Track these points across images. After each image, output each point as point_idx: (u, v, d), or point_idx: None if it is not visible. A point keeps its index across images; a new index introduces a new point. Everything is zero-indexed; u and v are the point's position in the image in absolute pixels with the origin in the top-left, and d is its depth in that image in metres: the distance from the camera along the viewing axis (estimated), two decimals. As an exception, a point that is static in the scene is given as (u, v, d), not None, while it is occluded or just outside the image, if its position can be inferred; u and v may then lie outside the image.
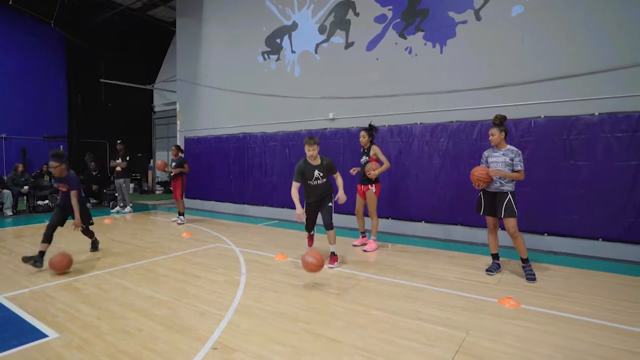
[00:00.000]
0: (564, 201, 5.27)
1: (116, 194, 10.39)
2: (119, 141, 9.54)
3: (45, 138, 13.34)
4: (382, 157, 5.40)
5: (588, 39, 5.13)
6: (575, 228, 5.21)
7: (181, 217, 7.79)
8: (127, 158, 9.30)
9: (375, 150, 5.40)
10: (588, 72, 5.13)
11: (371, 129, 5.48)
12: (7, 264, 4.64)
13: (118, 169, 9.26)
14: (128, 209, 9.45)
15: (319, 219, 4.81)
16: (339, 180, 4.68)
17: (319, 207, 4.71)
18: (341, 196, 4.52)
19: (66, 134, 13.94)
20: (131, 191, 14.61)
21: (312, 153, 4.39)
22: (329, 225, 4.59)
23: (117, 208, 9.52)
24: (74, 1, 12.33)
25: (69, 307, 3.28)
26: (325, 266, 4.16)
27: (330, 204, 4.65)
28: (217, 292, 3.70)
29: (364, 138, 5.44)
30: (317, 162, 4.50)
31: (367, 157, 5.42)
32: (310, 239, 5.19)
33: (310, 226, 4.96)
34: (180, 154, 7.96)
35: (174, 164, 7.81)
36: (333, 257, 4.63)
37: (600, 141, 5.03)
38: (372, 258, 5.10)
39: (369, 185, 5.39)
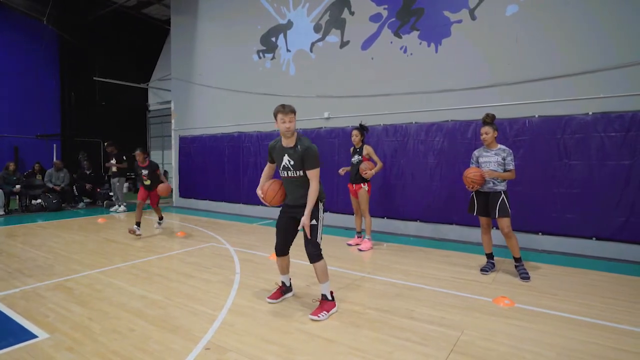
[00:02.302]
0: (557, 200, 5.30)
1: (111, 194, 10.31)
2: (106, 143, 9.43)
3: (38, 137, 13.21)
4: (376, 157, 5.42)
5: (582, 38, 5.15)
6: (569, 227, 5.24)
7: (161, 221, 7.23)
8: (124, 157, 9.21)
9: (368, 150, 5.42)
10: (582, 72, 5.15)
11: (362, 129, 5.48)
12: (-3, 264, 4.58)
13: (114, 169, 9.19)
14: (122, 208, 9.39)
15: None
16: (312, 186, 3.04)
17: (294, 219, 3.18)
18: (305, 219, 3.00)
19: (59, 133, 13.81)
20: (125, 190, 14.55)
21: (287, 126, 3.03)
22: (311, 256, 3.10)
23: (116, 207, 9.45)
24: (67, -2, 12.23)
25: (60, 307, 3.24)
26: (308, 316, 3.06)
27: (313, 221, 3.06)
28: (211, 291, 3.68)
29: (356, 137, 5.45)
30: (291, 143, 3.12)
31: (360, 157, 5.42)
32: (280, 290, 3.47)
33: (280, 246, 3.31)
34: (148, 159, 6.91)
35: (144, 171, 6.81)
36: (323, 302, 3.14)
37: (593, 141, 5.06)
38: (367, 257, 5.09)
39: (362, 184, 5.40)
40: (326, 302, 3.13)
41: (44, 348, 2.54)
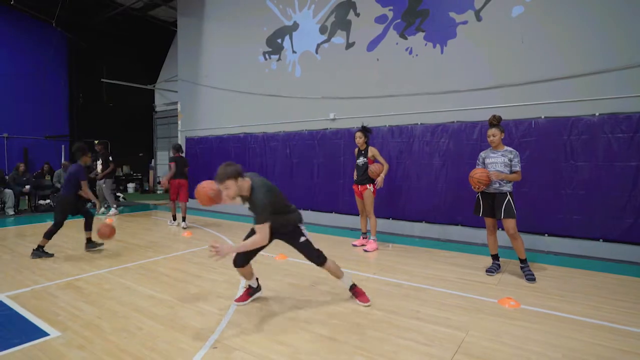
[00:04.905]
0: (564, 202, 5.28)
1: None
2: (96, 141, 9.26)
3: (47, 138, 13.38)
4: (381, 159, 5.43)
5: (588, 39, 5.13)
6: (576, 229, 5.22)
7: (171, 221, 7.62)
8: (110, 158, 8.88)
9: (373, 151, 5.44)
10: (588, 73, 5.13)
11: (365, 130, 5.50)
12: (9, 263, 4.66)
13: (98, 171, 8.87)
14: (113, 210, 8.89)
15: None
16: (253, 238, 2.92)
17: (282, 235, 3.29)
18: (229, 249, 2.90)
19: (68, 134, 13.98)
20: (132, 191, 14.68)
21: (226, 194, 2.90)
22: (318, 262, 3.27)
23: (102, 210, 9.07)
24: (76, 1, 12.37)
25: (70, 306, 3.30)
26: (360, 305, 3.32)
27: (302, 239, 3.25)
28: (217, 291, 3.72)
29: (360, 139, 5.46)
30: (246, 193, 2.98)
31: (365, 159, 5.44)
32: (247, 292, 3.46)
33: (240, 260, 3.25)
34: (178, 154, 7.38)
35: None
36: (357, 290, 3.42)
37: (600, 142, 5.03)
38: (373, 258, 5.11)
39: (367, 185, 5.42)
40: (359, 289, 3.40)
41: (55, 346, 2.60)
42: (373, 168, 5.32)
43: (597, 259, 5.00)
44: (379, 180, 5.30)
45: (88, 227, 5.37)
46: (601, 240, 5.06)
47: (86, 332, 2.81)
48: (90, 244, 5.38)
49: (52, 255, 5.01)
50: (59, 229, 5.03)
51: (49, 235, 4.97)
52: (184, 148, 10.93)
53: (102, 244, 5.47)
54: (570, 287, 3.88)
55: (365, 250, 5.40)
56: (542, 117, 5.44)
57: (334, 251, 5.39)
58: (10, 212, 8.80)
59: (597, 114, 5.07)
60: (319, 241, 5.59)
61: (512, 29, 5.66)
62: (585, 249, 5.16)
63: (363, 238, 5.79)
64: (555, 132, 5.33)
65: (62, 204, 5.07)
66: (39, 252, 4.96)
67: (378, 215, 5.89)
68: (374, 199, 5.47)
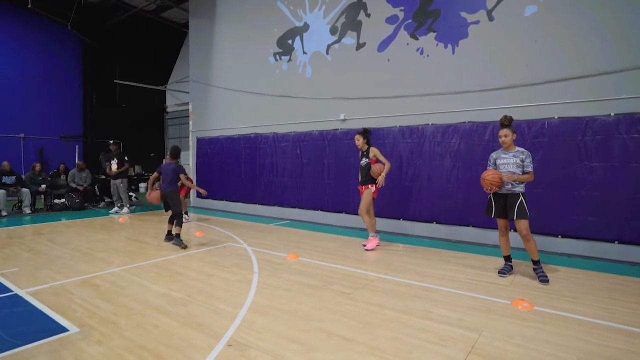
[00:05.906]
0: (578, 203, 5.22)
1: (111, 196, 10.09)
2: (111, 141, 9.52)
3: (62, 138, 13.65)
4: (382, 158, 5.45)
5: (603, 38, 5.06)
6: (590, 230, 5.15)
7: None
8: (126, 158, 9.16)
9: (374, 151, 5.47)
10: (603, 72, 5.07)
11: (365, 132, 5.55)
12: (27, 261, 4.77)
13: (114, 169, 9.04)
14: (125, 209, 9.19)
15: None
16: None
17: None
18: None
19: (81, 134, 14.24)
20: (143, 190, 14.88)
21: None
22: None
23: (115, 209, 9.26)
24: (90, 4, 12.61)
25: (87, 303, 3.37)
26: None
27: None
28: (230, 290, 3.77)
29: (358, 141, 5.55)
30: None
31: (367, 159, 5.47)
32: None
33: None
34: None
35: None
36: None
37: (616, 142, 4.96)
38: (383, 258, 5.11)
39: (369, 185, 5.45)
40: None
41: (74, 341, 2.66)
42: (374, 168, 5.36)
43: (611, 261, 4.94)
44: (380, 179, 5.31)
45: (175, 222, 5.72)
46: (616, 242, 4.99)
47: (103, 328, 2.88)
48: (177, 240, 5.62)
49: (185, 247, 5.56)
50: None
51: (180, 223, 5.67)
52: (195, 148, 11.11)
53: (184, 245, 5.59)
54: (584, 289, 3.84)
55: (366, 249, 5.40)
56: (556, 117, 5.39)
57: (344, 251, 5.41)
58: (27, 210, 9.00)
59: (612, 114, 5.00)
60: (328, 241, 5.63)
61: (525, 28, 5.62)
62: (600, 251, 5.09)
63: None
64: (569, 133, 5.27)
65: (174, 197, 5.71)
66: (179, 240, 5.57)
67: (388, 215, 5.89)
68: (373, 199, 5.48)
